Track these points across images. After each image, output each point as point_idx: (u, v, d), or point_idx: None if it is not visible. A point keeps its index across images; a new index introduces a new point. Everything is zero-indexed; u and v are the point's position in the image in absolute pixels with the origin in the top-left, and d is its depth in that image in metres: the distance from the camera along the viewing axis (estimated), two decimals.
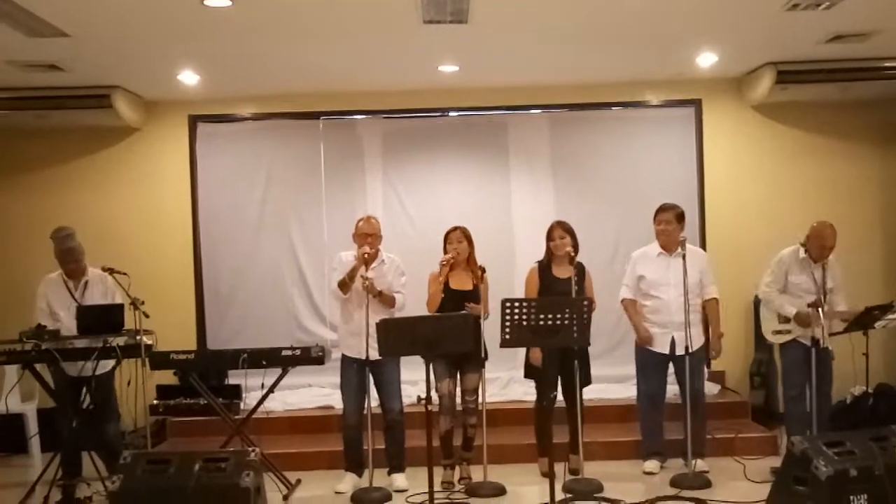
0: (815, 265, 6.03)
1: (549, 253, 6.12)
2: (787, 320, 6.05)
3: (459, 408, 6.12)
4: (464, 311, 5.78)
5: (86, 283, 6.17)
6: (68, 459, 5.97)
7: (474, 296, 6.00)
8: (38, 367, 5.92)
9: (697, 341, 6.11)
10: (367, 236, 5.98)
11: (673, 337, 6.03)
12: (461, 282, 6.06)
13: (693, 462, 5.95)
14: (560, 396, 6.06)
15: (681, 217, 6.21)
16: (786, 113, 7.96)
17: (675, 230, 6.14)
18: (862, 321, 6.02)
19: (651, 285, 6.15)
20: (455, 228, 6.15)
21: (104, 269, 6.10)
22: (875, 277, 7.63)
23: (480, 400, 6.05)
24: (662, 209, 6.22)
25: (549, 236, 6.10)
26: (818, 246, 6.02)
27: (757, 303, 7.31)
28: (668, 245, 6.13)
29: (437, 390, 5.84)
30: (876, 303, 6.07)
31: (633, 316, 6.23)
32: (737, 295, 7.44)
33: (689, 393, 6.00)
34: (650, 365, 6.18)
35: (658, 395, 6.23)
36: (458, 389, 6.11)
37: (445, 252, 6.09)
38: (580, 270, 6.07)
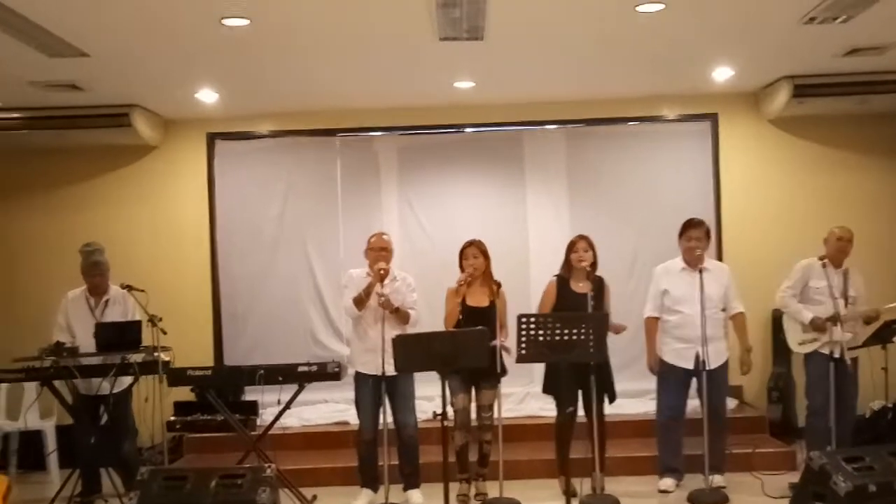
0: (835, 272, 6.03)
1: (569, 266, 6.10)
2: (816, 329, 6.03)
3: (475, 423, 6.11)
4: (481, 327, 5.78)
5: (107, 301, 6.23)
6: (87, 476, 6.01)
7: (491, 312, 5.98)
8: (56, 384, 5.96)
9: (721, 356, 6.07)
10: (380, 251, 5.98)
11: (698, 352, 5.97)
12: (478, 298, 6.05)
13: (711, 478, 5.91)
14: (581, 412, 6.03)
15: (709, 233, 6.20)
16: (802, 127, 7.93)
17: (705, 246, 6.12)
18: (881, 335, 5.99)
19: (675, 301, 6.10)
20: (471, 243, 6.12)
21: (122, 287, 6.15)
22: (892, 290, 7.55)
23: (496, 416, 6.04)
24: (694, 225, 6.12)
25: (573, 248, 6.07)
26: (835, 239, 6.09)
27: (776, 316, 7.31)
28: (695, 261, 6.09)
29: (452, 405, 5.82)
30: (894, 316, 6.02)
31: (651, 338, 6.18)
32: (754, 309, 7.36)
33: (711, 408, 5.93)
34: (672, 381, 6.12)
35: (679, 412, 6.17)
36: (474, 405, 6.10)
37: (461, 266, 6.07)
38: (599, 285, 6.05)
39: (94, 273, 6.19)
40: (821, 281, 6.05)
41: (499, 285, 6.03)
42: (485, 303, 6.02)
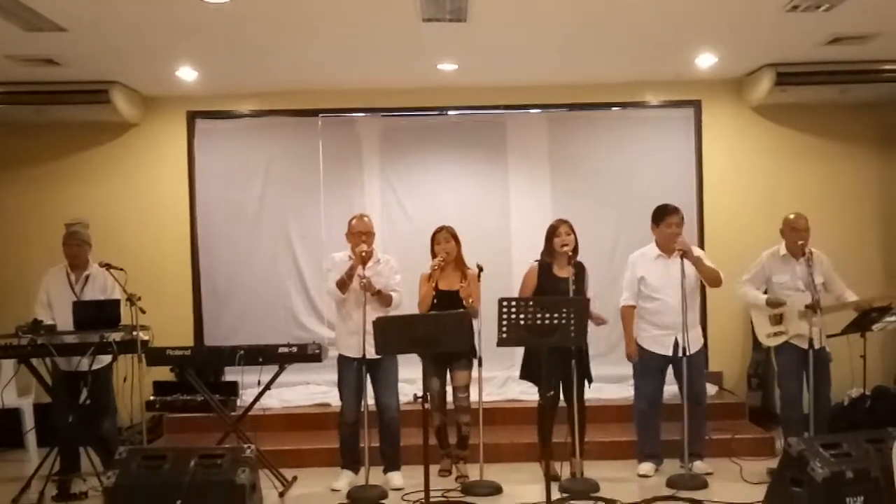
0: (797, 261, 6.01)
1: (551, 251, 6.10)
2: (778, 322, 6.04)
3: (451, 406, 6.15)
4: (462, 310, 5.80)
5: (87, 277, 6.20)
6: (66, 455, 5.98)
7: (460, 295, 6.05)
8: (34, 361, 5.91)
9: (698, 342, 6.11)
10: (362, 234, 5.98)
11: (676, 338, 5.99)
12: (450, 282, 6.12)
13: (691, 464, 5.95)
14: (561, 396, 6.05)
15: (682, 220, 6.21)
16: (785, 114, 7.95)
17: (681, 233, 6.13)
18: (860, 323, 6.03)
19: (653, 288, 6.11)
20: (441, 228, 6.19)
21: (101, 265, 6.11)
22: (873, 279, 7.61)
23: (475, 398, 6.06)
24: (671, 211, 6.13)
25: (555, 233, 6.07)
26: (790, 230, 6.04)
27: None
28: (670, 247, 6.11)
29: (425, 388, 5.86)
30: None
31: (628, 326, 6.18)
32: (735, 296, 7.44)
33: (691, 394, 5.96)
34: (650, 367, 6.14)
35: (657, 398, 6.19)
36: (449, 388, 6.16)
37: (433, 251, 6.14)
38: (580, 270, 6.06)
39: (71, 242, 6.17)
40: (783, 276, 6.06)
41: (481, 269, 6.03)
42: (456, 286, 6.10)
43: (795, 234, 6.03)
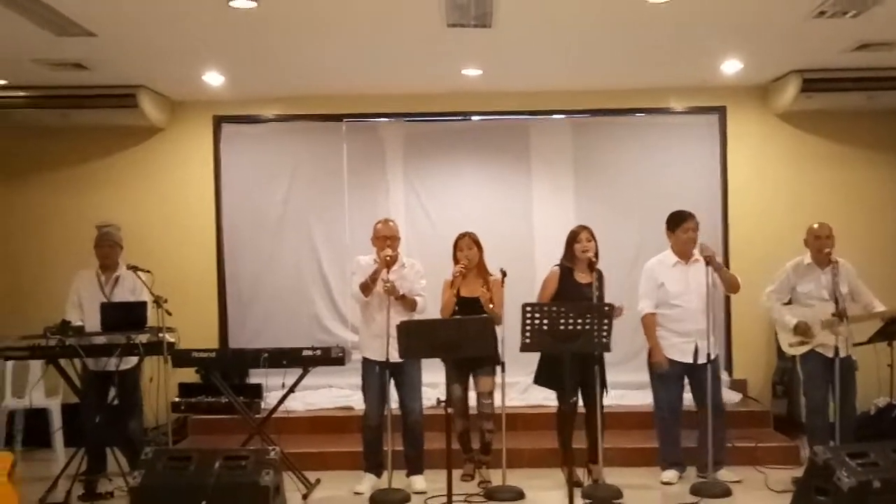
0: (822, 271, 5.97)
1: (572, 257, 6.09)
2: (802, 331, 6.00)
3: (474, 411, 6.16)
4: (485, 315, 5.81)
5: (117, 278, 6.25)
6: (93, 455, 6.03)
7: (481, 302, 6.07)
8: (62, 362, 5.96)
9: (717, 348, 6.09)
10: (386, 239, 5.99)
11: (696, 345, 5.97)
12: (471, 288, 6.13)
13: (715, 472, 5.93)
14: (580, 402, 6.04)
15: (698, 225, 6.19)
16: (811, 121, 7.91)
17: (697, 237, 6.11)
18: (886, 332, 5.97)
19: (671, 295, 6.08)
20: (464, 235, 6.20)
21: (128, 267, 6.16)
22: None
23: (498, 404, 6.05)
24: (687, 217, 6.12)
25: (576, 239, 6.06)
26: (814, 238, 6.00)
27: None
28: (687, 253, 6.08)
29: (447, 394, 5.88)
30: None
31: (652, 335, 6.12)
32: (761, 306, 7.39)
33: (713, 400, 5.93)
34: (670, 375, 6.09)
35: (677, 405, 6.16)
36: (474, 392, 6.16)
37: (455, 257, 6.16)
38: (599, 276, 6.04)
39: (103, 244, 6.23)
40: (808, 284, 6.00)
41: (504, 274, 6.03)
42: (478, 292, 6.11)
43: (820, 243, 5.97)
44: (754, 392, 7.84)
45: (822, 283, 5.95)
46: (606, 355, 5.94)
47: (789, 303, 6.15)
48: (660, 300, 6.13)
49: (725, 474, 6.03)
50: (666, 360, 6.07)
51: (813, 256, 6.04)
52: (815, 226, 6.08)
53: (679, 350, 6.06)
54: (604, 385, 6.04)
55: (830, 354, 5.83)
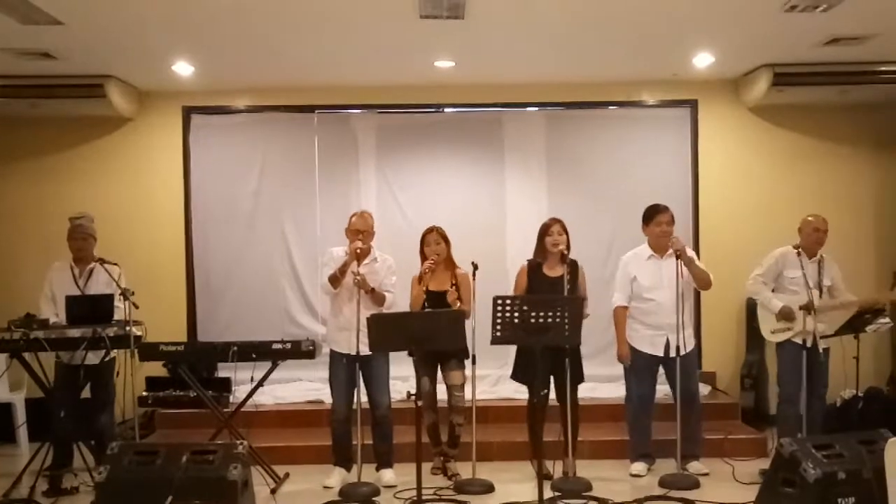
0: (809, 261, 6.02)
1: (543, 251, 6.08)
2: (784, 318, 6.04)
3: (443, 404, 6.16)
4: (456, 308, 5.81)
5: (91, 270, 6.17)
6: (59, 449, 5.96)
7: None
8: (27, 356, 5.88)
9: (691, 342, 6.10)
10: (360, 232, 5.96)
11: (668, 338, 6.00)
12: (439, 282, 6.13)
13: (686, 465, 5.97)
14: (553, 395, 6.04)
15: (673, 218, 6.20)
16: (782, 115, 7.95)
17: (672, 232, 6.12)
18: (853, 325, 6.03)
19: (644, 288, 6.10)
20: (432, 230, 6.19)
21: (94, 260, 6.09)
22: (867, 281, 7.61)
23: (468, 397, 6.05)
24: (661, 210, 6.14)
25: (547, 232, 6.05)
26: (813, 230, 6.06)
27: (750, 304, 7.34)
28: (662, 247, 6.11)
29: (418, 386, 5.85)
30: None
31: (620, 328, 6.16)
32: (729, 297, 7.45)
33: (683, 395, 5.95)
34: (642, 367, 6.13)
35: (648, 398, 6.20)
36: (444, 386, 6.15)
37: (422, 251, 6.15)
38: (573, 268, 6.04)
39: (76, 236, 6.15)
40: (795, 271, 6.03)
41: (476, 267, 6.02)
42: (446, 286, 6.11)
43: (818, 235, 6.06)
44: (723, 384, 7.90)
45: (808, 271, 6.00)
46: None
47: (773, 291, 6.19)
48: (633, 293, 6.16)
49: (696, 467, 6.06)
50: (629, 354, 6.11)
51: (806, 246, 6.07)
52: (811, 218, 6.14)
53: (650, 343, 6.09)
54: (581, 377, 6.04)
55: (809, 343, 5.89)
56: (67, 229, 6.20)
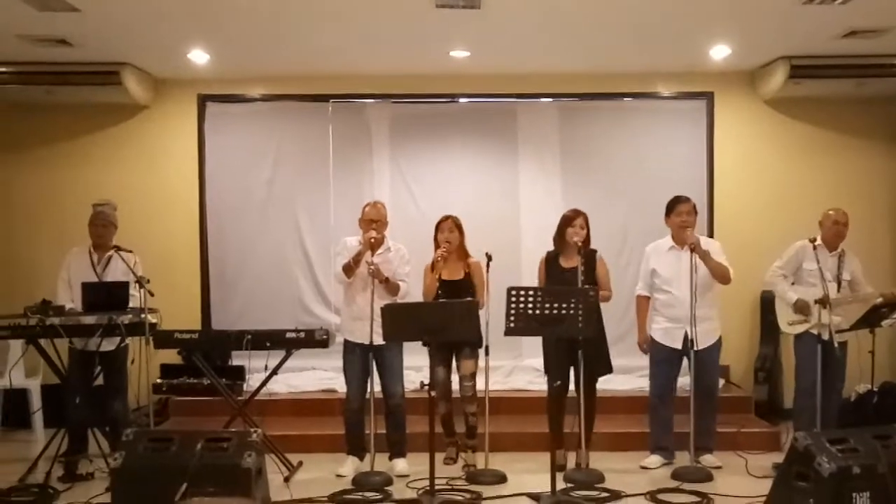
0: (829, 255, 6.01)
1: (562, 240, 6.07)
2: (800, 308, 6.01)
3: (458, 395, 6.17)
4: (469, 299, 5.81)
5: (109, 258, 6.19)
6: (74, 435, 6.00)
7: (466, 284, 6.12)
8: (42, 342, 5.92)
9: (711, 337, 6.06)
10: (373, 222, 5.97)
11: (686, 331, 5.96)
12: (452, 272, 6.16)
13: (699, 458, 5.96)
14: (572, 386, 6.02)
15: (695, 209, 6.18)
16: (798, 108, 7.91)
17: (693, 223, 6.10)
18: (869, 319, 6.00)
19: (664, 281, 6.09)
20: (447, 218, 6.21)
21: (110, 248, 6.11)
22: (884, 274, 7.58)
23: (481, 387, 6.05)
24: (682, 200, 6.11)
25: (570, 223, 6.03)
26: (833, 223, 6.04)
27: (764, 298, 7.31)
28: (682, 239, 6.08)
29: (431, 376, 5.87)
30: None
31: (641, 316, 6.17)
32: (744, 289, 7.41)
33: (700, 388, 5.92)
34: (661, 360, 6.13)
35: (667, 391, 6.17)
36: (455, 376, 6.17)
37: (436, 239, 6.16)
38: (590, 258, 6.03)
39: (97, 222, 6.19)
40: (813, 263, 6.01)
41: (489, 258, 6.01)
42: (459, 275, 6.15)
43: (838, 228, 6.06)
44: (736, 378, 7.88)
45: (828, 265, 5.98)
46: None
47: (792, 284, 6.17)
48: (654, 285, 6.15)
49: (709, 459, 6.05)
50: (647, 342, 6.08)
51: (826, 239, 6.06)
52: (832, 212, 6.12)
53: (670, 336, 6.08)
54: (608, 367, 6.06)
55: (826, 336, 5.85)
56: (90, 215, 6.23)
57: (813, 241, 6.02)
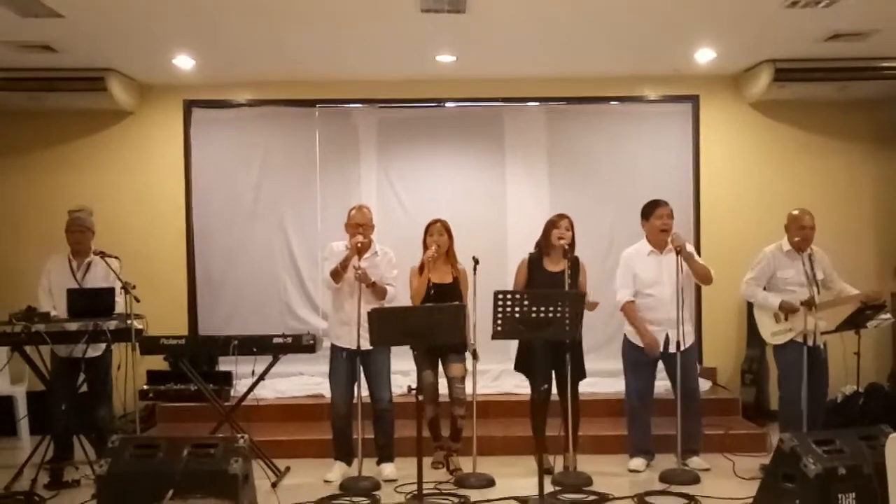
0: (801, 256, 5.96)
1: (547, 243, 6.07)
2: (784, 319, 6.00)
3: (446, 399, 6.17)
4: (457, 303, 5.81)
5: (88, 264, 6.17)
6: (59, 442, 5.97)
7: (454, 288, 6.12)
8: (27, 349, 5.89)
9: (690, 337, 6.09)
10: (359, 226, 5.96)
11: (667, 334, 5.99)
12: (441, 275, 6.16)
13: (686, 460, 5.96)
14: (554, 390, 6.04)
15: (672, 213, 6.19)
16: (783, 111, 7.95)
17: (672, 225, 6.11)
18: (854, 320, 6.02)
19: (644, 284, 6.09)
20: (436, 221, 6.22)
21: (95, 253, 6.09)
22: (868, 276, 7.61)
23: (469, 391, 6.05)
24: (661, 204, 6.12)
25: (555, 225, 6.02)
26: (797, 228, 5.98)
27: (751, 303, 7.32)
28: (661, 243, 6.09)
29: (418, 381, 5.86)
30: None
31: (636, 321, 6.08)
32: (730, 292, 7.40)
33: (683, 390, 5.93)
34: (642, 363, 6.12)
35: (648, 393, 6.19)
36: (442, 380, 6.17)
37: (425, 242, 6.16)
38: (574, 264, 6.04)
39: (73, 229, 6.17)
40: (788, 270, 6.00)
41: (476, 262, 6.01)
42: (448, 279, 6.16)
43: (804, 232, 5.96)
44: (723, 380, 7.90)
45: (800, 269, 5.95)
46: None
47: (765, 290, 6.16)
48: (634, 289, 6.14)
49: (697, 462, 6.06)
50: (655, 340, 6.04)
51: (792, 243, 6.01)
52: (796, 212, 6.06)
53: None
54: (582, 373, 6.04)
55: (810, 342, 5.84)
56: (66, 222, 6.21)
57: (789, 245, 6.00)
